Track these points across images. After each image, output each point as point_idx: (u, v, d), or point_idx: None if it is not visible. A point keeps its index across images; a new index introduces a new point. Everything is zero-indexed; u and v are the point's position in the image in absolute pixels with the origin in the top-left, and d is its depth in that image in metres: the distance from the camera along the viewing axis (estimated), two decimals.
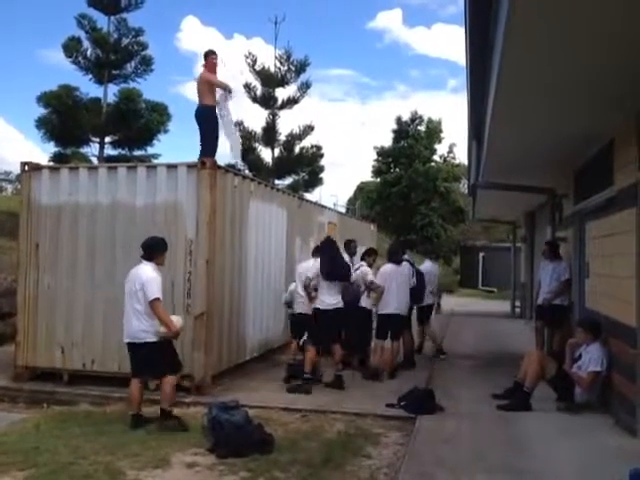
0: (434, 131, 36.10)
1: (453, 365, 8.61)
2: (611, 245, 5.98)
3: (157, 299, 5.42)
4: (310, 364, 6.92)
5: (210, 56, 7.96)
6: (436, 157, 36.70)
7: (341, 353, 7.12)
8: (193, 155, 7.99)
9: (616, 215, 5.79)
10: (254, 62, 22.51)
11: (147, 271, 5.53)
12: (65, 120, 20.06)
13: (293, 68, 22.53)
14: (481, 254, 25.98)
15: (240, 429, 4.86)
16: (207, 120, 7.80)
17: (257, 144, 23.03)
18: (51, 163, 18.39)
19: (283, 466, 4.52)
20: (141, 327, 5.44)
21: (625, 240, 5.40)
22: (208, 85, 7.79)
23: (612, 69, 4.22)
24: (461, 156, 35.56)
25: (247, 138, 22.72)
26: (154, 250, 5.68)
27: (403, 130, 36.07)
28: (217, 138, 7.91)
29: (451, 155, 37.32)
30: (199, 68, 7.99)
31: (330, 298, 6.96)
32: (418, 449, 4.88)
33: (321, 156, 24.27)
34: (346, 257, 8.02)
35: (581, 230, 7.79)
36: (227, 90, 7.90)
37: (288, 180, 24.00)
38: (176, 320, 5.64)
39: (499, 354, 9.61)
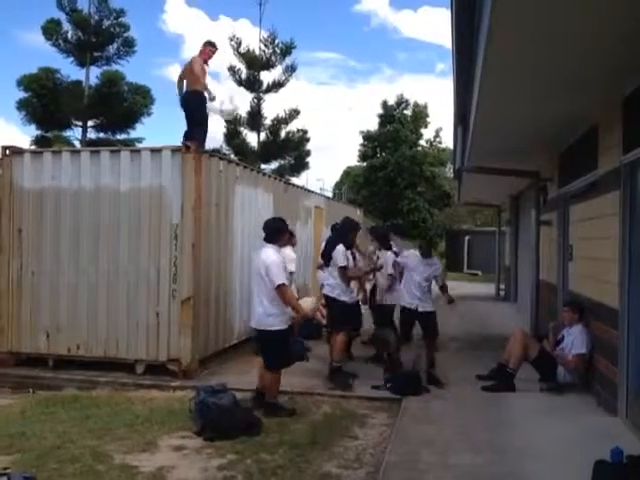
0: (420, 115, 36.09)
1: (439, 347, 8.68)
2: (595, 228, 6.05)
3: (282, 285, 5.27)
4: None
5: (209, 47, 7.84)
6: (422, 142, 36.73)
7: (340, 346, 6.50)
8: (177, 139, 7.93)
9: (600, 198, 5.85)
10: (239, 45, 22.24)
11: (270, 254, 5.35)
12: (46, 103, 19.78)
13: (278, 51, 22.30)
14: (466, 238, 26.13)
15: (227, 412, 4.89)
16: (196, 105, 7.63)
17: (242, 128, 22.86)
18: (33, 147, 18.13)
19: (270, 448, 4.56)
20: (264, 314, 5.32)
21: (608, 223, 5.47)
22: (198, 72, 7.58)
23: (597, 55, 4.23)
24: (447, 140, 35.61)
25: (232, 122, 22.54)
26: (276, 232, 5.52)
27: (389, 114, 35.99)
28: (206, 120, 7.83)
29: (437, 140, 37.36)
30: (190, 51, 7.81)
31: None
32: (404, 429, 4.94)
33: (307, 140, 24.17)
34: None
35: (565, 213, 7.86)
36: (209, 95, 7.71)
37: (274, 164, 23.90)
38: (309, 301, 5.56)
39: (484, 336, 9.72)
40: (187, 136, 7.42)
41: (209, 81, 7.97)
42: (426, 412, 5.46)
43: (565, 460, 4.18)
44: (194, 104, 7.62)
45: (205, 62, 7.85)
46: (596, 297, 5.87)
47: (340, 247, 6.52)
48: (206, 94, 7.69)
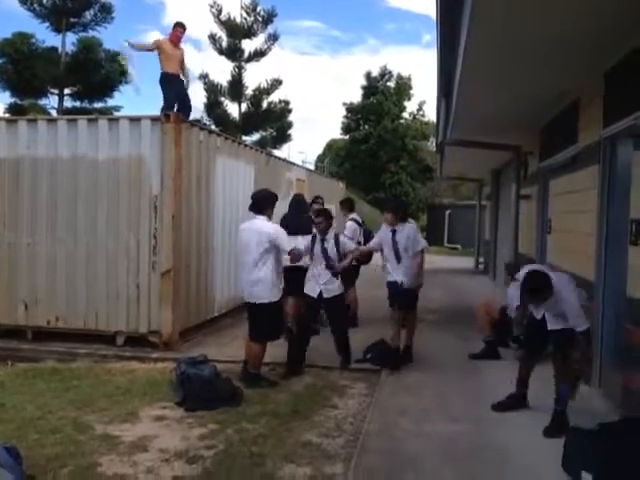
0: (403, 87, 35.88)
1: (419, 319, 8.79)
2: (573, 202, 6.12)
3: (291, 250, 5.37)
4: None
5: (177, 28, 8.09)
6: (405, 114, 36.61)
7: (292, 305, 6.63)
8: (156, 107, 7.94)
9: (579, 172, 5.91)
10: (219, 12, 21.82)
11: (266, 224, 5.37)
12: (21, 69, 19.22)
13: (260, 19, 21.94)
14: (447, 212, 26.33)
15: (209, 383, 4.92)
16: (167, 87, 7.98)
17: (223, 98, 22.55)
18: (7, 115, 17.68)
19: (252, 418, 4.61)
20: (263, 286, 5.31)
21: (587, 197, 5.53)
22: (163, 53, 7.96)
23: (580, 30, 4.23)
24: (430, 114, 35.54)
25: (212, 92, 22.19)
26: (266, 203, 5.51)
27: (372, 86, 35.74)
28: (181, 96, 8.12)
29: (420, 113, 37.26)
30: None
31: None
32: (383, 399, 5.03)
33: (289, 111, 23.99)
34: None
35: (545, 187, 7.94)
36: (185, 79, 8.30)
37: (256, 136, 23.70)
38: None
39: (463, 308, 9.85)
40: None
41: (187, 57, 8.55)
42: (405, 382, 5.55)
43: (540, 428, 4.28)
44: (161, 85, 8.00)
45: (174, 44, 8.10)
46: (573, 270, 5.96)
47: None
48: (182, 77, 8.20)
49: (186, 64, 8.35)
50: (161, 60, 7.99)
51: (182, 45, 8.32)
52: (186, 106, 8.14)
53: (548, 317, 4.45)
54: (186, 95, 8.24)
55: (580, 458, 3.43)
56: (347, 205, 8.42)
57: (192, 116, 8.12)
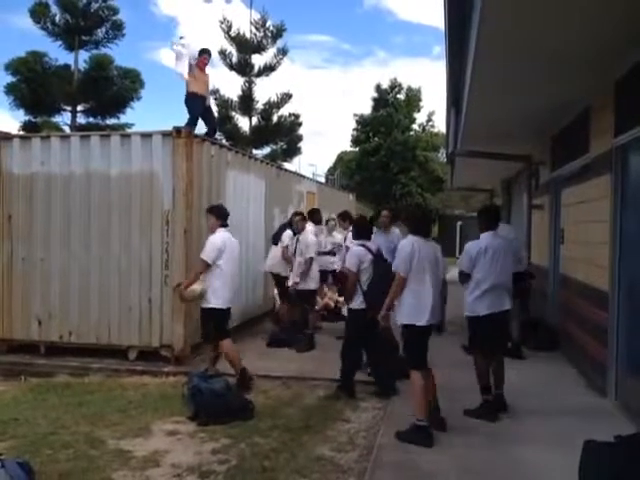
0: (413, 99, 35.95)
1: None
2: (586, 211, 6.07)
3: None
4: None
5: (203, 55, 8.41)
6: (415, 126, 36.63)
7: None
8: (167, 123, 8.03)
9: (591, 182, 5.86)
10: (229, 28, 21.96)
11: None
12: (35, 87, 19.50)
13: (269, 34, 22.04)
14: (458, 223, 26.22)
15: (221, 397, 4.90)
16: (193, 106, 8.13)
17: (234, 113, 22.66)
18: (21, 132, 17.94)
19: (263, 432, 4.59)
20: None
21: (600, 206, 5.49)
22: (192, 75, 8.14)
23: (590, 38, 4.22)
24: (440, 125, 35.51)
25: (223, 106, 22.35)
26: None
27: (382, 98, 35.83)
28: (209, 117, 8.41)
29: (430, 124, 37.25)
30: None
31: None
32: (396, 412, 4.98)
33: (300, 125, 24.01)
34: (311, 227, 7.97)
35: (557, 197, 7.88)
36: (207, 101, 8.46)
37: (266, 149, 23.77)
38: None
39: None
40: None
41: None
42: None
43: (557, 442, 4.22)
44: (188, 104, 8.16)
45: (201, 69, 8.34)
46: (586, 280, 5.91)
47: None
48: (207, 100, 8.47)
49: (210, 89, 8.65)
50: (189, 81, 8.24)
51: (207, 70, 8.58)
52: (212, 126, 8.52)
53: None
54: (213, 116, 8.58)
55: (597, 472, 3.36)
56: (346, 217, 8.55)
57: (203, 130, 8.24)
